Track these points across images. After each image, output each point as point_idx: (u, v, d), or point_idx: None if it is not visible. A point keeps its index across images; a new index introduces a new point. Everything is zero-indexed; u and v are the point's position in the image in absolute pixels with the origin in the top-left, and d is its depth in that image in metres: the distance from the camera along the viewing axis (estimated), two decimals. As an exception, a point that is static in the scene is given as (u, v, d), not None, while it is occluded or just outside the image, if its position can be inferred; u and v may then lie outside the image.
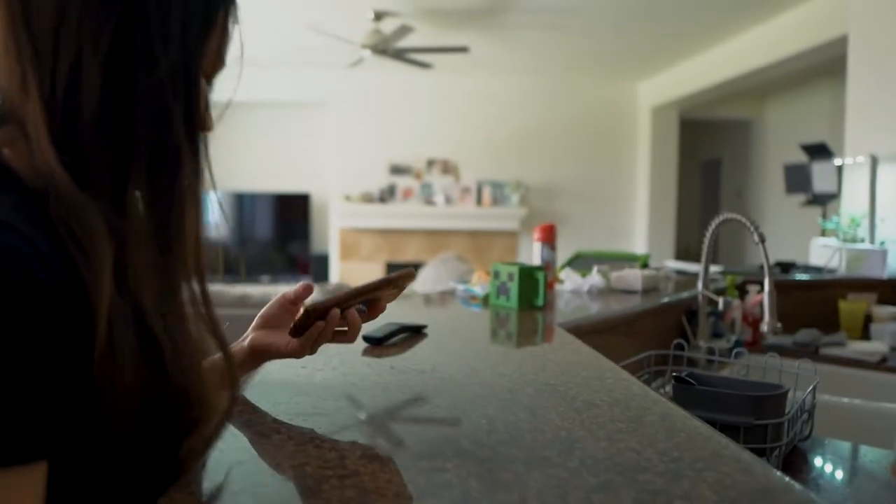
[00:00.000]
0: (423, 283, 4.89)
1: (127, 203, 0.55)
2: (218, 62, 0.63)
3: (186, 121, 0.57)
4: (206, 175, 0.60)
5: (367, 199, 7.26)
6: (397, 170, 7.44)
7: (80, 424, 0.49)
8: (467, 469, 0.60)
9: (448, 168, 7.49)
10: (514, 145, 7.56)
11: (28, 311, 0.45)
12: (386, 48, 5.13)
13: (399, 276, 0.81)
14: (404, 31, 4.82)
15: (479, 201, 7.43)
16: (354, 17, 5.21)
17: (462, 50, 5.31)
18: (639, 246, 7.68)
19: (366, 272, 7.41)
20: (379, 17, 5.17)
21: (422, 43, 5.66)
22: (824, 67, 5.62)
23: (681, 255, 8.43)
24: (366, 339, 1.12)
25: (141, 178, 0.55)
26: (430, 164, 7.47)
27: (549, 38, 5.90)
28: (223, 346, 0.60)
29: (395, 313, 1.53)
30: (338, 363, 0.99)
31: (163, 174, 0.56)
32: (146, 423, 0.53)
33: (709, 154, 9.24)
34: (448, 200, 7.42)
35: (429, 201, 7.41)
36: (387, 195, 7.37)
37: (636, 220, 7.75)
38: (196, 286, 0.59)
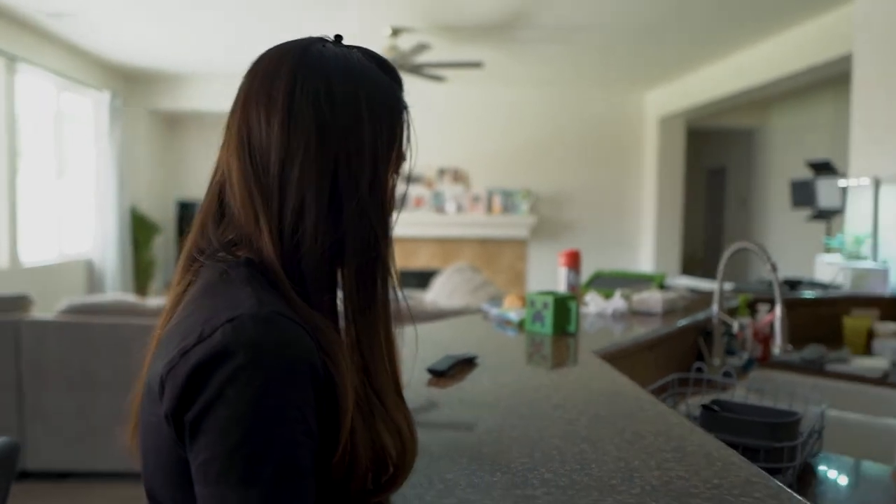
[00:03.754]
0: (438, 293, 5.04)
1: (336, 309, 0.70)
2: (401, 160, 0.76)
3: (383, 235, 0.72)
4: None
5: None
6: (408, 178, 7.57)
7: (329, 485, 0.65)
8: (554, 496, 0.75)
9: (459, 177, 7.65)
10: (523, 154, 7.72)
11: (310, 388, 0.61)
12: (403, 63, 5.29)
13: None
14: (422, 48, 4.97)
15: (489, 209, 7.59)
16: (371, 32, 5.36)
17: (476, 65, 5.47)
18: (645, 253, 7.82)
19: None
20: (396, 32, 5.33)
21: (436, 57, 5.82)
22: (828, 79, 5.76)
23: (687, 261, 8.58)
24: (430, 371, 1.28)
25: (349, 289, 0.70)
26: (442, 172, 7.63)
27: (559, 52, 6.05)
28: (408, 415, 0.74)
29: (442, 339, 1.69)
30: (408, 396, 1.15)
31: (366, 283, 0.71)
32: (374, 483, 0.70)
33: (714, 162, 9.40)
34: (459, 208, 7.57)
35: (440, 209, 7.57)
36: (398, 203, 7.51)
37: (643, 228, 7.91)
38: (388, 366, 0.73)
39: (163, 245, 7.70)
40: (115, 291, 6.49)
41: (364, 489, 0.69)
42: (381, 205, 0.71)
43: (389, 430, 0.70)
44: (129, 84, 7.18)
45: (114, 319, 3.18)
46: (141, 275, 7.15)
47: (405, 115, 0.75)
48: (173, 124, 7.97)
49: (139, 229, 7.10)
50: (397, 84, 0.76)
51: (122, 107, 6.70)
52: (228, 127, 0.72)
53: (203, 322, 0.61)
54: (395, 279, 0.74)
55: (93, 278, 6.55)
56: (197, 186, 7.53)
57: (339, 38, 0.76)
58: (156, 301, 3.38)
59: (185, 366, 0.59)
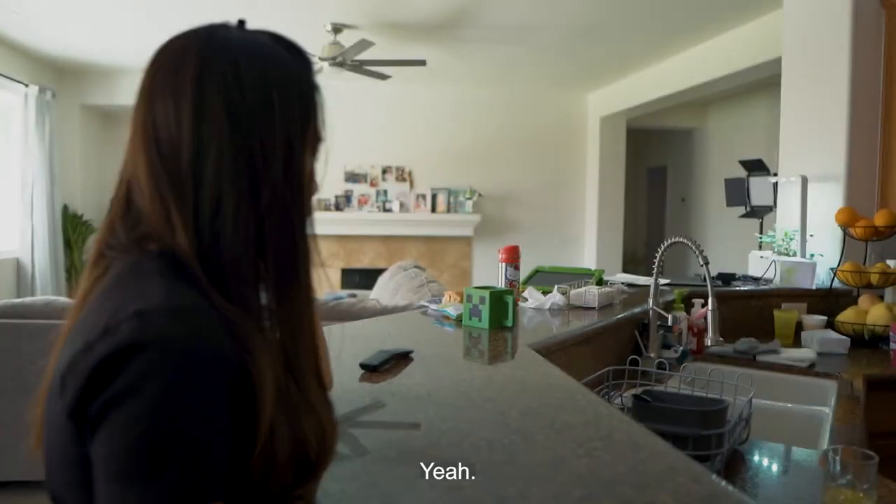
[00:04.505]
0: (382, 291, 5.01)
1: (258, 303, 0.67)
2: (317, 141, 0.73)
3: (299, 217, 0.69)
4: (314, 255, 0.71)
5: (323, 206, 7.34)
6: (353, 177, 7.53)
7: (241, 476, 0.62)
8: (481, 486, 0.74)
9: (403, 175, 7.62)
10: (467, 153, 7.75)
11: (222, 384, 0.58)
12: (344, 61, 5.23)
13: None
14: (364, 45, 4.93)
15: (433, 208, 7.59)
16: (313, 29, 5.29)
17: (420, 63, 5.46)
18: (588, 251, 7.94)
19: (322, 278, 7.48)
20: (338, 30, 5.27)
21: (379, 54, 5.78)
22: (763, 81, 5.96)
23: (628, 259, 8.76)
24: (362, 366, 1.26)
25: (270, 279, 0.68)
26: (386, 171, 7.59)
27: (502, 51, 6.09)
28: (328, 403, 0.72)
29: (380, 334, 1.67)
30: (340, 392, 1.12)
31: (287, 271, 0.68)
32: (295, 477, 0.67)
33: (655, 161, 9.61)
34: (403, 207, 7.55)
35: (384, 208, 7.53)
36: (342, 202, 7.46)
37: (586, 226, 8.03)
38: (312, 356, 0.71)
39: (97, 245, 7.42)
40: (46, 293, 6.24)
41: (285, 483, 0.67)
42: (299, 188, 0.69)
43: (311, 422, 0.68)
44: (60, 78, 6.90)
45: (44, 322, 3.05)
46: (74, 275, 6.90)
47: (317, 95, 0.73)
48: (110, 120, 7.70)
49: (72, 229, 6.84)
50: (306, 65, 0.74)
51: (52, 101, 6.44)
52: (133, 122, 0.68)
53: (110, 315, 0.58)
54: (317, 265, 0.72)
55: (21, 279, 6.28)
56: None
57: (242, 22, 0.74)
58: (86, 302, 3.25)
59: (89, 360, 0.56)
